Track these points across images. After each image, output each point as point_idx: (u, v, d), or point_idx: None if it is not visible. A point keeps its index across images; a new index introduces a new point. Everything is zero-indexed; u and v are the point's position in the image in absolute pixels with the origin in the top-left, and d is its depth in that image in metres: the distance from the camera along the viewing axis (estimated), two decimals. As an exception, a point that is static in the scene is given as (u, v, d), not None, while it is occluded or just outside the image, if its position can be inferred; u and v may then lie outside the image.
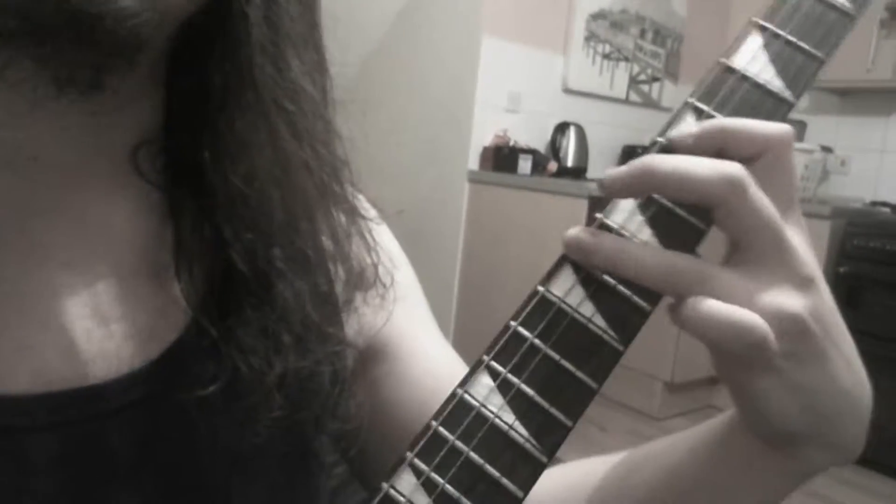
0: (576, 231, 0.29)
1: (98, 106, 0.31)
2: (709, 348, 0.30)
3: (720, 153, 0.29)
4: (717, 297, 0.28)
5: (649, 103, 3.33)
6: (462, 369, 0.45)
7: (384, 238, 0.45)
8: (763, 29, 0.32)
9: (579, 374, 0.29)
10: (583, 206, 2.33)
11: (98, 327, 0.32)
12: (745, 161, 0.29)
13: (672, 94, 3.38)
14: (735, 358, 0.29)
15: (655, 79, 3.33)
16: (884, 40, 2.62)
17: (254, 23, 0.32)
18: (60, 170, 0.32)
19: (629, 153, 3.13)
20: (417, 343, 0.46)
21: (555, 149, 2.90)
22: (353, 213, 0.41)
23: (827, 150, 2.93)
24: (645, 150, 0.31)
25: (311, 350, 0.36)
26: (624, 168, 0.29)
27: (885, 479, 2.26)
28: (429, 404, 0.42)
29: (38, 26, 0.26)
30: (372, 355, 0.44)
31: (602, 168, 3.01)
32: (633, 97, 3.26)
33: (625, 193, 0.30)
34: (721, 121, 0.30)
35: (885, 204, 2.76)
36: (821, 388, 0.29)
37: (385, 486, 0.29)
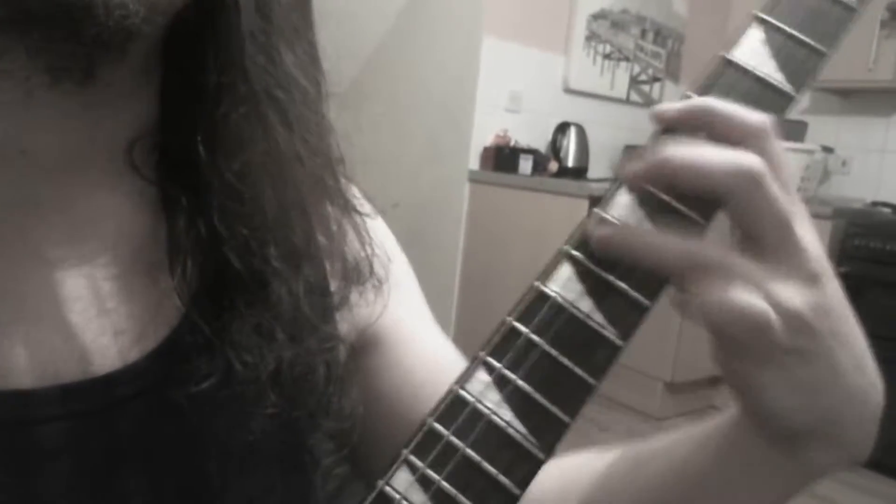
0: (589, 224, 0.29)
1: (90, 99, 0.31)
2: (711, 334, 0.30)
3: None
4: (729, 282, 0.27)
5: (650, 103, 3.32)
6: (458, 359, 0.45)
7: (379, 232, 0.45)
8: (764, 22, 0.31)
9: (578, 370, 0.28)
10: (583, 206, 2.32)
11: (91, 321, 0.32)
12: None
13: (673, 93, 3.38)
14: (737, 347, 0.29)
15: (656, 79, 3.33)
16: (885, 40, 2.61)
17: (244, 12, 0.32)
18: (51, 164, 0.32)
19: (630, 153, 3.12)
20: (411, 331, 0.45)
21: (555, 149, 2.90)
22: (348, 207, 0.41)
23: (828, 150, 2.92)
24: None
25: (304, 346, 0.36)
26: (642, 161, 0.29)
27: (889, 482, 2.23)
28: (423, 392, 0.42)
29: (29, 15, 0.26)
30: (366, 347, 0.44)
31: (603, 168, 3.01)
32: (634, 97, 3.25)
33: (640, 182, 0.30)
34: (706, 100, 0.29)
35: (886, 204, 2.75)
36: (825, 387, 0.29)
37: (380, 483, 0.28)
